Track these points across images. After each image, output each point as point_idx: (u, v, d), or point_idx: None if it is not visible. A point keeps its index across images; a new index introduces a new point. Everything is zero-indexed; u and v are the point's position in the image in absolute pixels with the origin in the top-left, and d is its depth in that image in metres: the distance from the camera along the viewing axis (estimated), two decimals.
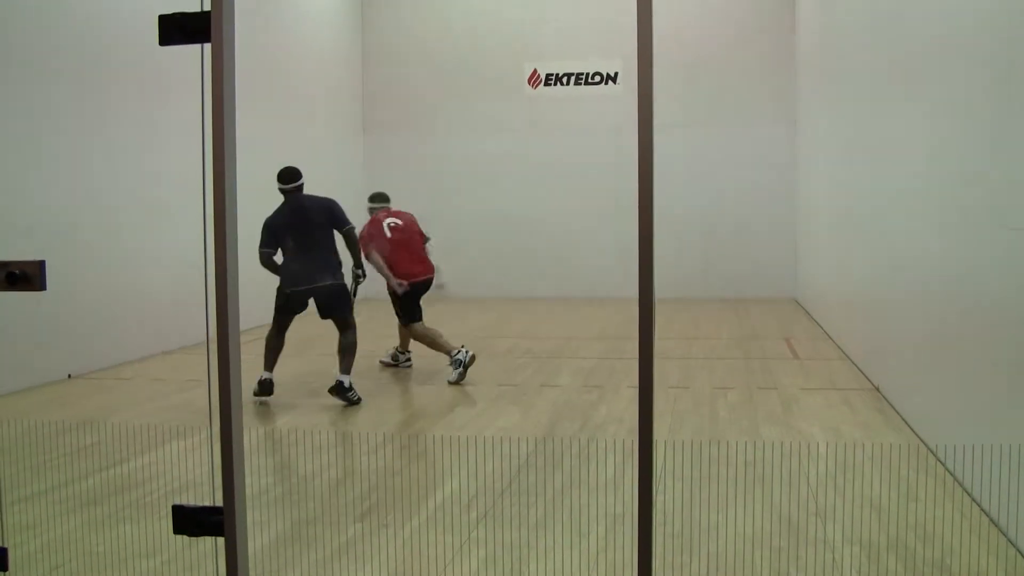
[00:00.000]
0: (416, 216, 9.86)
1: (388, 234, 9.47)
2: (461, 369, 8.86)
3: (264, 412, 7.73)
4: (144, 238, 10.52)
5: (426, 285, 9.48)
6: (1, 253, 2.90)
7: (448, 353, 9.08)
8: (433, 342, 9.23)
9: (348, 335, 8.30)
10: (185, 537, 2.89)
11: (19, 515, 4.91)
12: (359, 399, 7.96)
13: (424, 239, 9.72)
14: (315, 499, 5.33)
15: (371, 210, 10.00)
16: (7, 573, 3.01)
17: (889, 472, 5.47)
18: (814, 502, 5.05)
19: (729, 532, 4.56)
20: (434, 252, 9.72)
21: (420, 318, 9.40)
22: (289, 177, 8.54)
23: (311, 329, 9.12)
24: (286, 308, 8.37)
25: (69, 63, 9.34)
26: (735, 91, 16.72)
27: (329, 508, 5.13)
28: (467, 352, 8.99)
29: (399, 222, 9.60)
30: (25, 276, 2.85)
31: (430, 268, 9.57)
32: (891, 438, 6.45)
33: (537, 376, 9.21)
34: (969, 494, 5.09)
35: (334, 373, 8.08)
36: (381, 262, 9.27)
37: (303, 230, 8.32)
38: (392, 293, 9.35)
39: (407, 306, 9.35)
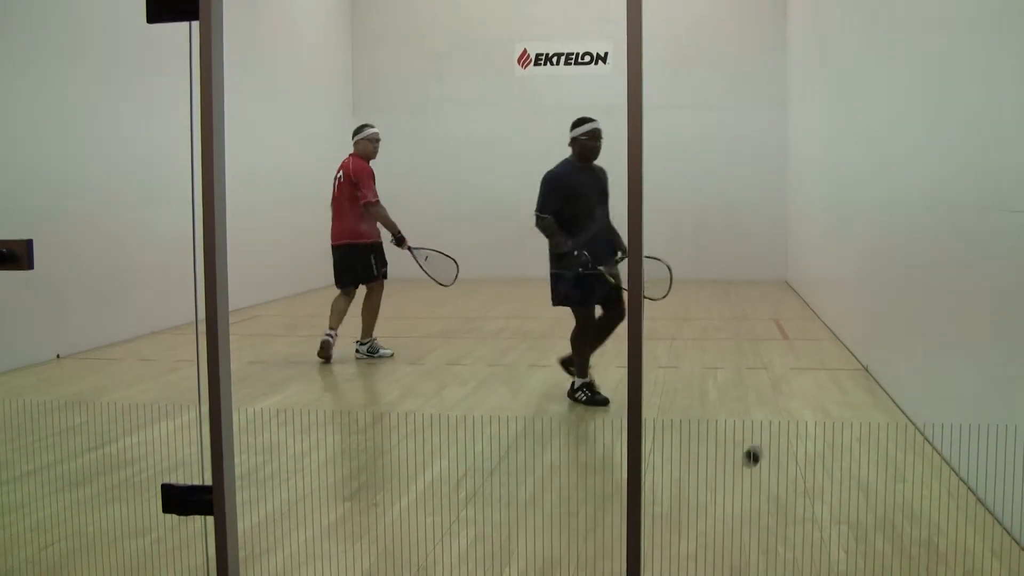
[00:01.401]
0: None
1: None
2: (321, 349, 8.96)
3: (252, 393, 7.72)
4: (133, 217, 10.48)
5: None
6: None
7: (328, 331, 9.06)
8: (335, 311, 9.14)
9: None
10: (174, 516, 2.89)
11: (8, 495, 4.91)
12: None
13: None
14: (304, 478, 5.34)
15: (369, 139, 9.55)
16: None
17: (877, 452, 5.50)
18: (803, 481, 5.07)
19: (718, 511, 4.58)
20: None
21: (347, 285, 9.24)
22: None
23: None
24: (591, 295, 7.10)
25: (60, 40, 9.29)
26: (726, 73, 16.71)
27: (318, 487, 5.14)
28: (332, 338, 9.02)
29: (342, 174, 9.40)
30: (13, 255, 2.83)
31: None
32: (880, 418, 6.47)
33: (527, 356, 9.23)
34: (957, 474, 5.11)
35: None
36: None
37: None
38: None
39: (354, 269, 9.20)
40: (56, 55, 9.26)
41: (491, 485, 5.09)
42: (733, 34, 16.73)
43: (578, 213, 7.11)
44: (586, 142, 7.19)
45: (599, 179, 7.26)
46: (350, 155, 9.34)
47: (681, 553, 4.13)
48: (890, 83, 7.23)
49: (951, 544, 4.18)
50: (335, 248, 9.22)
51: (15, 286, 7.55)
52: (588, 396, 7.01)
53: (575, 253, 6.88)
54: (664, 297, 6.91)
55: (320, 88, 16.94)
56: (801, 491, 4.93)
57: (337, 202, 9.29)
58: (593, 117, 7.30)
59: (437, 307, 12.31)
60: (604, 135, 7.05)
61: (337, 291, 9.25)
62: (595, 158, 7.27)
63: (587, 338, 7.10)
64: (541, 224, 7.19)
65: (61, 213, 9.25)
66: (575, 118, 7.39)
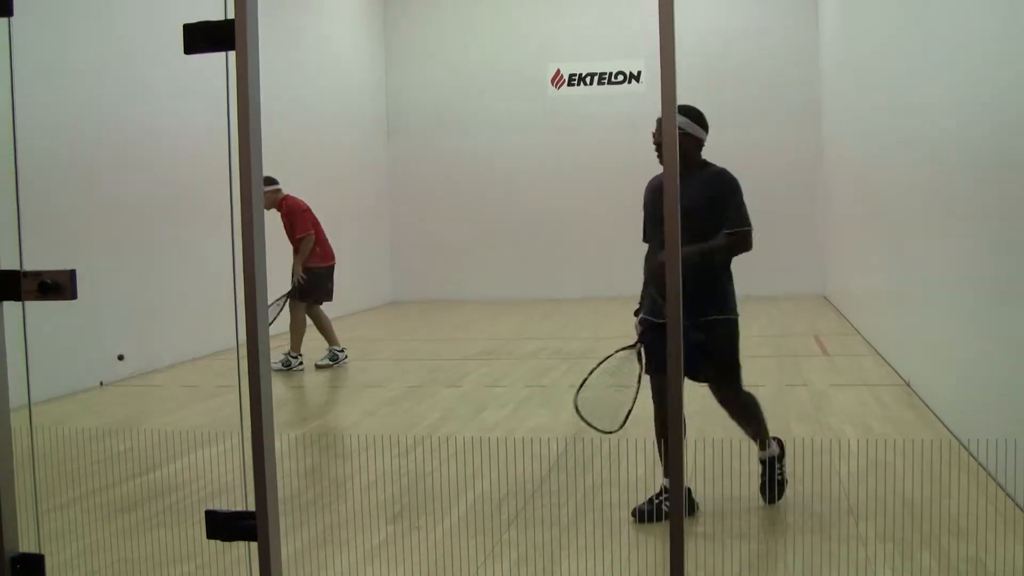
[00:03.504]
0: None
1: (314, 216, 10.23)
2: (281, 367, 9.84)
3: (292, 419, 7.75)
4: (173, 246, 10.59)
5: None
6: (32, 262, 2.93)
7: (290, 351, 10.06)
8: (295, 330, 10.07)
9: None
10: (219, 542, 2.90)
11: (54, 522, 4.95)
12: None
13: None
14: (347, 502, 5.35)
15: (275, 193, 10.11)
16: None
17: (921, 468, 5.43)
18: (846, 499, 5.02)
19: (761, 530, 4.55)
20: None
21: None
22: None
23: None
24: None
25: (95, 65, 9.41)
26: (759, 88, 16.67)
27: (360, 511, 5.15)
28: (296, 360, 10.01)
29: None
30: (56, 285, 2.87)
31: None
32: (923, 433, 6.40)
33: (566, 377, 9.20)
34: (1003, 489, 5.05)
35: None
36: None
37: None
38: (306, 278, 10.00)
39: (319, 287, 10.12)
40: (93, 77, 9.39)
41: (533, 506, 5.08)
42: (765, 49, 16.68)
43: None
44: None
45: None
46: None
47: (725, 572, 4.10)
48: (923, 96, 7.19)
49: (999, 561, 4.12)
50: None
51: (59, 315, 7.63)
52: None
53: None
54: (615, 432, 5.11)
55: (354, 107, 17.05)
56: (845, 509, 4.88)
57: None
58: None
59: (473, 329, 12.32)
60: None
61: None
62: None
63: None
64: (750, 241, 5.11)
65: (102, 242, 9.36)
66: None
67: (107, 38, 9.67)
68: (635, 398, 5.07)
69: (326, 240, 10.26)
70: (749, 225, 5.05)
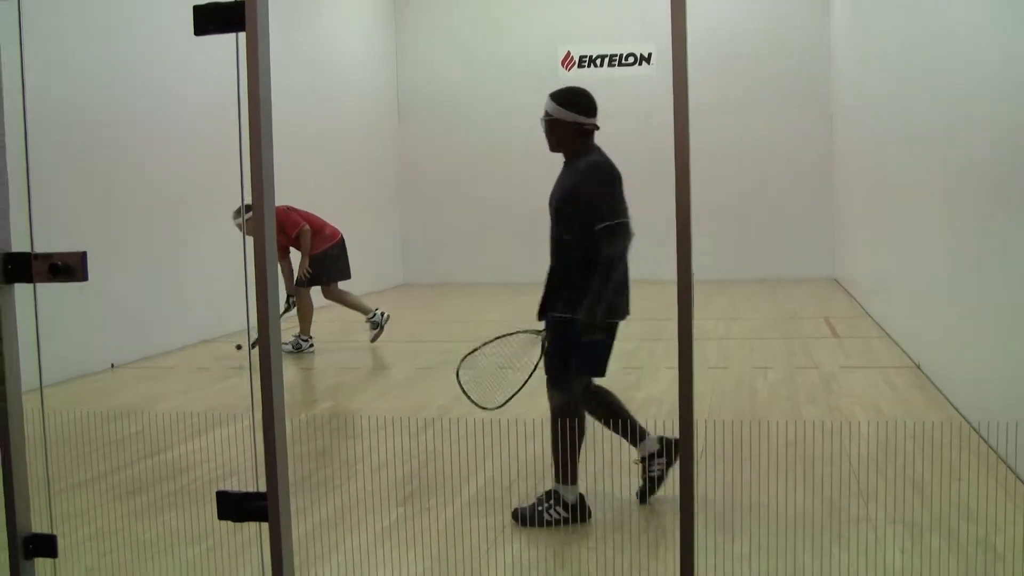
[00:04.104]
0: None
1: (298, 209, 10.17)
2: (291, 349, 9.94)
3: (302, 401, 7.77)
4: (184, 227, 10.61)
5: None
6: (43, 245, 2.94)
7: (300, 335, 10.11)
8: (303, 315, 10.16)
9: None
10: (230, 523, 2.91)
11: (67, 503, 4.98)
12: None
13: None
14: (357, 484, 5.37)
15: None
16: (56, 560, 3.05)
17: (931, 450, 5.43)
18: (856, 481, 5.02)
19: (770, 512, 4.55)
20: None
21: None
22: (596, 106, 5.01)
23: None
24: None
25: (106, 51, 9.41)
26: (770, 73, 16.61)
27: (371, 492, 5.17)
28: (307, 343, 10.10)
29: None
30: (67, 267, 2.88)
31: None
32: (933, 416, 6.40)
33: None
34: (1013, 471, 5.05)
35: None
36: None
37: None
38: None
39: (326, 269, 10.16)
40: (102, 69, 9.39)
41: (542, 489, 5.08)
42: (777, 35, 16.61)
43: None
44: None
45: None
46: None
47: (735, 554, 4.11)
48: (933, 86, 7.16)
49: (1008, 543, 4.12)
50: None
51: (70, 297, 7.65)
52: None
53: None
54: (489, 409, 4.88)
55: (365, 95, 17.04)
56: (855, 491, 4.89)
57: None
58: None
59: (488, 311, 12.31)
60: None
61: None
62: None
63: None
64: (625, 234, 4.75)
65: (114, 224, 9.38)
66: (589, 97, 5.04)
67: (116, 25, 9.65)
68: (523, 384, 4.85)
69: (322, 225, 10.20)
70: (620, 217, 4.67)
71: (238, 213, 9.68)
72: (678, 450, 4.31)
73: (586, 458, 4.90)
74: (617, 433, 4.93)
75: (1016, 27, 5.16)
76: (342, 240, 10.27)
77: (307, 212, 10.15)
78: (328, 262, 10.07)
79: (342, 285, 10.24)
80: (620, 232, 4.64)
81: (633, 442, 4.91)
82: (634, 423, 4.91)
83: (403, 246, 18.08)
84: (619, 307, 4.82)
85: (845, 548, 4.16)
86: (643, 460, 4.87)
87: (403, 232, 18.04)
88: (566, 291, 4.75)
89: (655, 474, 4.85)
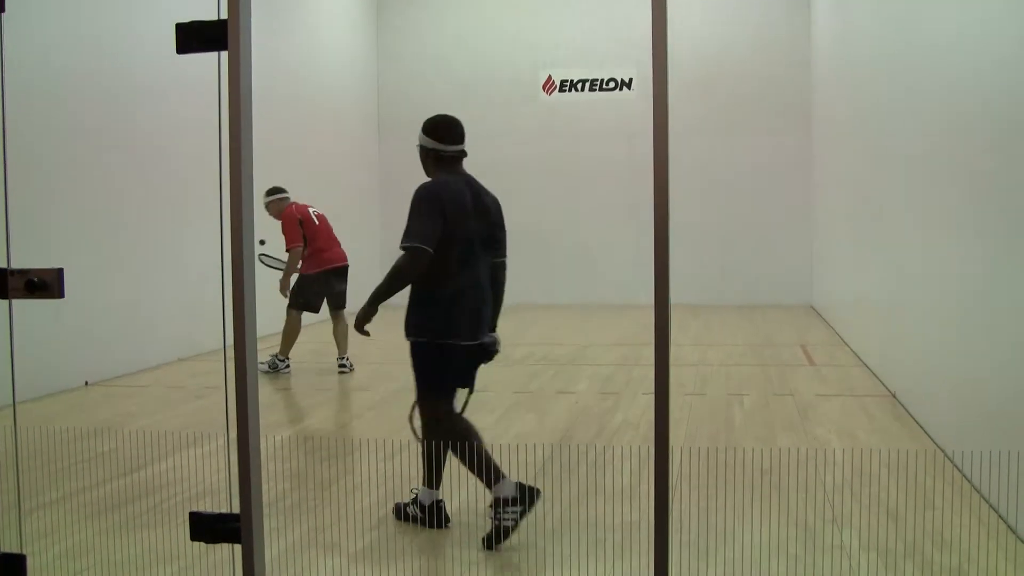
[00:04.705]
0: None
1: (316, 222, 10.01)
2: (267, 368, 9.82)
3: (278, 421, 7.74)
4: (161, 245, 10.56)
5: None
6: (20, 261, 2.92)
7: (278, 355, 9.97)
8: (286, 336, 9.98)
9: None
10: (203, 544, 2.90)
11: (38, 522, 4.93)
12: None
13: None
14: (332, 505, 5.34)
15: (280, 201, 10.01)
16: None
17: (906, 479, 5.45)
18: (830, 509, 5.03)
19: (745, 539, 4.55)
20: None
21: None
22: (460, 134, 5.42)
23: None
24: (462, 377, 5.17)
25: (85, 64, 9.38)
26: (750, 99, 16.73)
27: (345, 514, 5.14)
28: (283, 364, 9.96)
29: (316, 211, 10.17)
30: (44, 284, 2.86)
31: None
32: (908, 445, 6.42)
33: (554, 383, 9.21)
34: (987, 501, 5.07)
35: None
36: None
37: (485, 233, 5.33)
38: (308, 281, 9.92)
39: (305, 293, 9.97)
40: (86, 84, 9.36)
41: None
42: (757, 61, 16.73)
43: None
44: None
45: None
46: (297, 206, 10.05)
47: None
48: (915, 108, 7.21)
49: (981, 572, 4.13)
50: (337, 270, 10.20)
51: (46, 314, 7.60)
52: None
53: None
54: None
55: (346, 108, 17.08)
56: (829, 519, 4.89)
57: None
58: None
59: None
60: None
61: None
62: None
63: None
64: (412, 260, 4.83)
65: (89, 242, 9.33)
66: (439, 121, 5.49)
67: (96, 36, 9.63)
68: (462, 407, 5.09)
69: (325, 247, 9.97)
70: (413, 241, 4.77)
71: (268, 193, 9.86)
72: (534, 500, 4.60)
73: (568, 483, 4.87)
74: (473, 472, 4.78)
75: (999, 39, 5.22)
76: (340, 268, 10.10)
77: (325, 224, 10.04)
78: (309, 286, 9.94)
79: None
80: (409, 256, 4.79)
81: (488, 484, 4.73)
82: (490, 462, 4.78)
83: (382, 264, 18.00)
84: (459, 330, 4.99)
85: (819, 575, 4.16)
86: (496, 503, 4.64)
87: (382, 248, 17.99)
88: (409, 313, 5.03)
89: (508, 523, 4.60)
